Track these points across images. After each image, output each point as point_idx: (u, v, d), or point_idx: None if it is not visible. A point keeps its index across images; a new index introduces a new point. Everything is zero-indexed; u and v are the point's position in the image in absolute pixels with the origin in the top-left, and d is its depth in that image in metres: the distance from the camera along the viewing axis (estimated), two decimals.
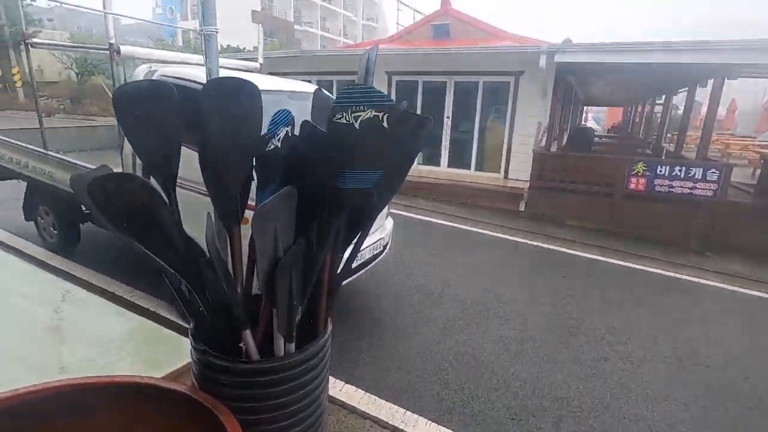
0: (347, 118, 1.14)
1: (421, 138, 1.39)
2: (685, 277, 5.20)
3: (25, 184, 4.41)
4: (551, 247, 5.96)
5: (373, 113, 1.12)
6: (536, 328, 3.74)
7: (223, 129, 1.30)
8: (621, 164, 6.80)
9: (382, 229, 3.74)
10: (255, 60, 5.00)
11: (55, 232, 4.34)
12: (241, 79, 1.28)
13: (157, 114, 1.32)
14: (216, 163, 1.33)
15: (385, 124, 1.13)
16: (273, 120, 1.29)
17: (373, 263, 3.59)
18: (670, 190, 6.41)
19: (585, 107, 25.76)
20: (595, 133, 18.12)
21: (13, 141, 4.29)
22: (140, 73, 3.34)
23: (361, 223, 1.56)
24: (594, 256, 5.70)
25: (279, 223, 1.15)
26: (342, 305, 3.82)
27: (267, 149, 1.30)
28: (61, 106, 19.34)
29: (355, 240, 1.61)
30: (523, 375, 3.06)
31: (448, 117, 8.99)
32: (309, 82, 5.93)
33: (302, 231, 1.29)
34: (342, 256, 1.61)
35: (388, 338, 3.41)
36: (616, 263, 5.52)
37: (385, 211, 3.74)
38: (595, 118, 33.43)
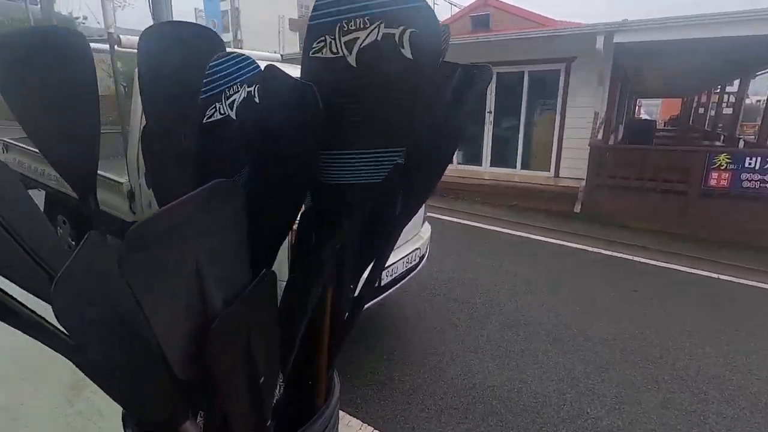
0: (334, 47, 0.60)
1: (477, 95, 0.82)
2: None
3: (44, 193, 4.24)
4: (615, 254, 5.14)
5: (383, 29, 0.56)
6: (608, 358, 3.03)
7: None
8: (699, 157, 5.83)
9: (417, 238, 3.18)
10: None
11: (73, 242, 4.13)
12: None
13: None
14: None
15: (408, 52, 0.57)
16: (212, 71, 0.76)
17: (407, 278, 3.04)
18: (763, 186, 5.40)
19: (637, 100, 23.89)
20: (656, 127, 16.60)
21: (33, 149, 4.12)
22: None
23: (376, 246, 1.02)
24: (669, 265, 4.84)
25: (202, 249, 0.62)
26: (368, 323, 3.29)
27: (210, 119, 0.79)
28: (109, 118, 20.20)
29: (370, 268, 1.07)
30: (600, 425, 2.39)
31: (489, 112, 8.29)
32: None
33: (268, 259, 0.77)
34: (351, 293, 1.08)
35: (427, 368, 2.84)
36: (698, 273, 4.64)
37: (420, 214, 3.18)
38: (648, 112, 31.00)
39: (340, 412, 1.57)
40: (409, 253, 2.95)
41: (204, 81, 0.74)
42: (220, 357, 0.65)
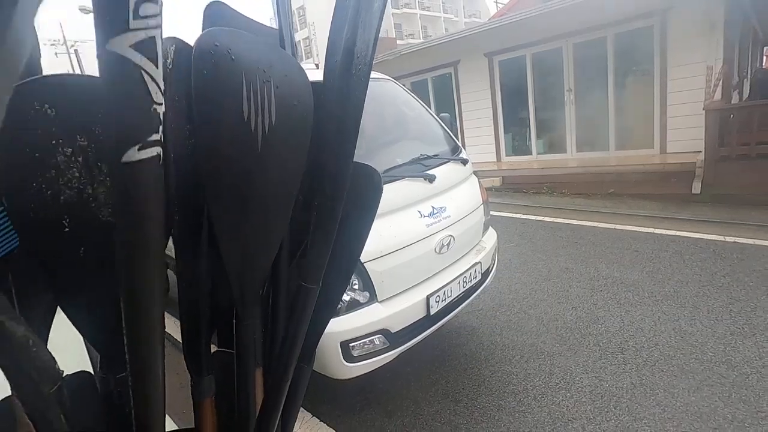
0: None
1: None
2: None
3: None
4: (758, 241, 3.93)
5: None
6: (762, 391, 2.13)
7: None
8: None
9: (477, 249, 2.60)
10: None
11: None
12: None
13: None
14: None
15: None
16: None
17: (468, 301, 2.48)
18: None
19: (765, 48, 19.71)
20: None
21: None
22: None
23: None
24: None
25: None
26: (423, 355, 2.77)
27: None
28: None
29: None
30: None
31: (569, 90, 7.24)
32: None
33: None
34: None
35: (504, 412, 2.24)
36: None
37: (479, 218, 2.61)
38: None
39: None
40: (467, 270, 2.40)
41: None
42: None
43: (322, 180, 0.55)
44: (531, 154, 7.96)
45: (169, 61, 0.49)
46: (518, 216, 5.76)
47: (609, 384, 2.36)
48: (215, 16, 0.74)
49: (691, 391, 2.23)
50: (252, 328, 0.59)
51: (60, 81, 0.43)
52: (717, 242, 4.05)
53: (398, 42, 34.48)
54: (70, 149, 0.42)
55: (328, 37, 0.57)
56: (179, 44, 0.51)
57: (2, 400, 0.42)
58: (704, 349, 2.56)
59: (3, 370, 0.38)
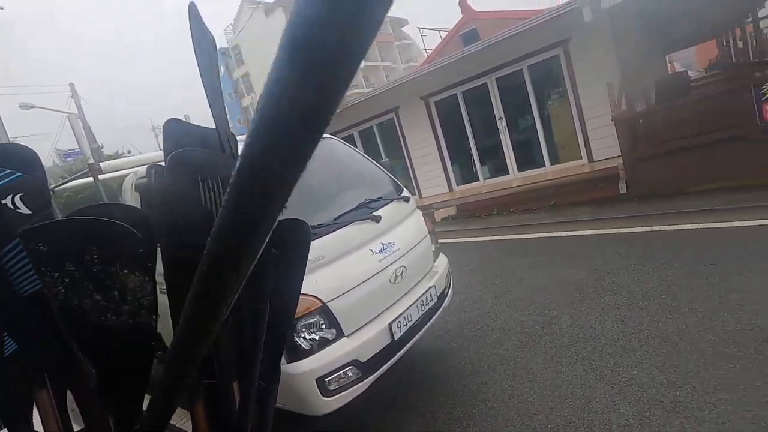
0: None
1: None
2: None
3: None
4: (679, 226, 4.45)
5: None
6: (696, 357, 2.46)
7: None
8: (743, 94, 5.09)
9: (431, 274, 2.89)
10: None
11: None
12: None
13: None
14: None
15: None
16: None
17: (430, 322, 2.72)
18: None
19: (669, 57, 22.21)
20: (690, 77, 15.22)
21: None
22: (127, 187, 2.60)
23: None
24: (749, 222, 4.09)
25: None
26: (398, 377, 2.96)
27: None
28: None
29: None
30: None
31: (500, 118, 7.97)
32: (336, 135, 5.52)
33: None
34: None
35: (477, 419, 2.44)
36: None
37: (428, 247, 2.91)
38: (684, 65, 28.69)
39: None
40: (423, 294, 2.67)
41: None
42: None
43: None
44: (479, 180, 8.54)
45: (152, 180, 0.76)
46: (474, 239, 6.16)
47: (565, 374, 2.63)
48: (172, 131, 1.03)
49: (633, 367, 2.54)
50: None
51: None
52: (644, 233, 4.56)
53: None
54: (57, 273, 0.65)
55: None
56: (157, 168, 0.79)
57: None
58: (641, 328, 2.90)
59: None
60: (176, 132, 1.04)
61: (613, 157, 6.59)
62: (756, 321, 2.62)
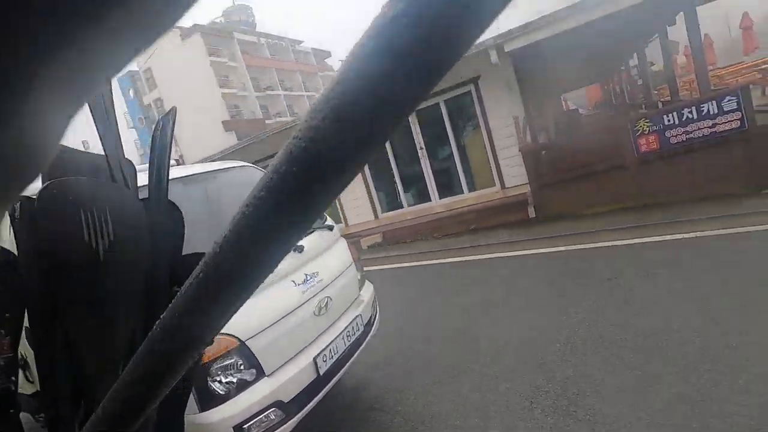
0: None
1: None
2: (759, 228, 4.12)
3: None
4: (578, 246, 4.93)
5: None
6: (588, 355, 2.69)
7: None
8: (622, 130, 5.91)
9: (357, 303, 2.85)
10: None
11: None
12: None
13: None
14: None
15: None
16: None
17: (358, 352, 2.66)
18: (689, 137, 5.46)
19: (563, 96, 25.19)
20: (582, 114, 17.42)
21: None
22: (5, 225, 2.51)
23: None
24: (633, 240, 4.66)
25: None
26: (326, 412, 2.84)
27: None
28: None
29: None
30: None
31: (421, 148, 8.34)
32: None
33: None
34: None
35: None
36: (668, 239, 4.46)
37: (353, 275, 2.88)
38: (577, 104, 32.77)
39: None
40: (349, 324, 2.61)
41: None
42: None
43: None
44: (403, 207, 8.78)
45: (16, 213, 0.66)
46: (400, 266, 6.25)
47: (488, 392, 2.71)
48: (57, 159, 0.91)
49: (536, 368, 2.72)
50: None
51: None
52: (551, 253, 4.98)
53: (267, 122, 35.37)
54: None
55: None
56: (23, 200, 0.68)
57: None
58: (549, 335, 3.14)
59: None
60: (61, 160, 0.92)
61: (523, 184, 7.18)
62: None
